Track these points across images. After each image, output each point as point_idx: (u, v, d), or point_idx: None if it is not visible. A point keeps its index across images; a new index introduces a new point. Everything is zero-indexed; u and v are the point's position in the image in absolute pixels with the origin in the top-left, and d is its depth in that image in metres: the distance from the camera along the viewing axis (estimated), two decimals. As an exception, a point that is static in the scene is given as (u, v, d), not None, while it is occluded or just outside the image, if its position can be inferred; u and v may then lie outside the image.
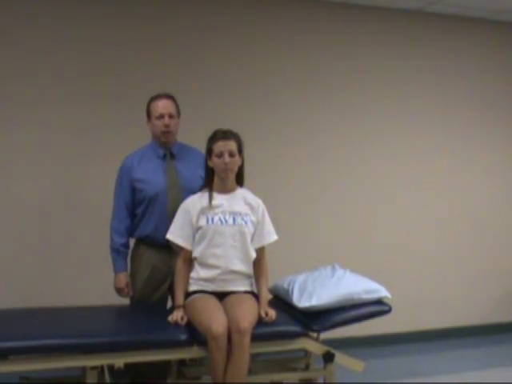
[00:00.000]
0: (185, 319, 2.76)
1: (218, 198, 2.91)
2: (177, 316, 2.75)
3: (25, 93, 3.77)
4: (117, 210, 3.16)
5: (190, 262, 2.92)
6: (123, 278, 3.14)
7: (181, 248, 2.92)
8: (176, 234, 2.91)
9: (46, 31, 3.81)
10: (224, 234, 2.86)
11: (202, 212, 2.88)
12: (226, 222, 2.88)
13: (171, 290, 3.11)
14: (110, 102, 3.93)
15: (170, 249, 3.03)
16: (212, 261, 2.86)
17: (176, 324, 2.73)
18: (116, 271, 3.15)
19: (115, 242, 3.15)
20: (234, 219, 2.89)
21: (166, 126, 3.07)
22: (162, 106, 3.09)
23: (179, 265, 2.91)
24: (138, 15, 4.00)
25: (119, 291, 3.16)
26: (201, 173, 3.04)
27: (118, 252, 3.15)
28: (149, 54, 4.01)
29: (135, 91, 3.86)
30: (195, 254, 2.90)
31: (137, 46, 3.99)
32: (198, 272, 2.89)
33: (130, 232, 3.19)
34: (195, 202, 2.92)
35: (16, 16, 3.75)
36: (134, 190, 3.11)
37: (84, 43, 3.88)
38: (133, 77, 3.96)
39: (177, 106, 3.15)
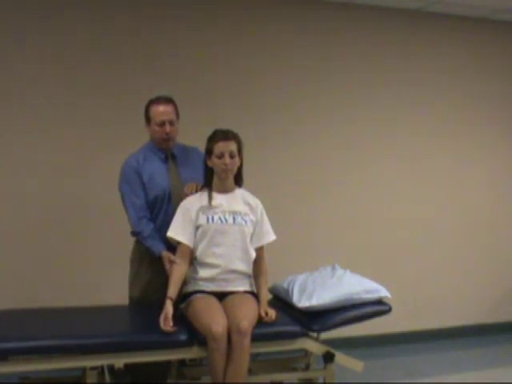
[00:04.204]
0: (170, 323, 2.64)
1: (218, 198, 2.91)
2: (165, 318, 2.66)
3: (25, 95, 3.77)
4: (132, 207, 3.04)
5: (187, 257, 2.88)
6: (166, 257, 2.92)
7: (179, 243, 2.89)
8: (177, 231, 2.89)
9: (47, 33, 3.80)
10: (224, 233, 2.87)
11: (202, 211, 2.88)
12: (226, 221, 2.88)
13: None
14: (110, 103, 3.93)
15: (171, 250, 3.02)
16: (212, 260, 2.86)
17: (168, 325, 2.64)
18: (158, 254, 2.97)
19: (144, 231, 3.01)
20: (234, 218, 2.89)
21: (167, 133, 3.05)
22: (163, 112, 3.04)
23: (176, 259, 2.87)
24: (137, 17, 3.99)
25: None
26: (202, 172, 3.02)
27: (151, 237, 3.01)
28: (148, 54, 4.01)
29: (135, 92, 3.85)
30: (195, 253, 2.89)
31: (136, 47, 3.98)
32: (198, 272, 2.89)
33: (132, 231, 3.17)
34: (195, 201, 2.92)
35: (15, 16, 3.75)
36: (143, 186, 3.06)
37: (84, 44, 3.87)
38: (132, 78, 3.96)
39: (176, 109, 3.11)
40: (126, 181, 3.07)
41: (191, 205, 2.91)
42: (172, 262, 2.88)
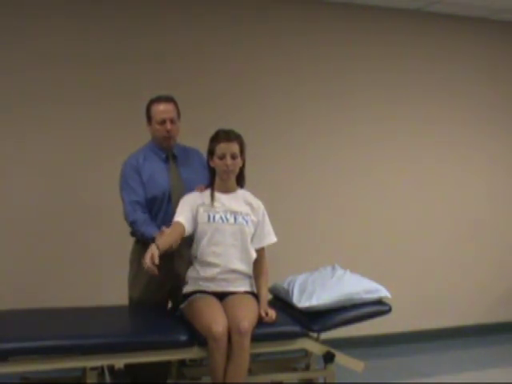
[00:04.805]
0: (156, 260, 2.57)
1: (220, 197, 2.92)
2: (151, 256, 2.57)
3: (23, 94, 3.76)
4: (129, 203, 3.01)
5: (179, 232, 2.79)
6: (157, 235, 2.80)
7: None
8: (178, 216, 2.86)
9: (45, 30, 3.80)
10: (224, 232, 2.87)
11: (204, 208, 2.88)
12: (227, 220, 2.88)
13: (171, 293, 3.10)
14: (110, 103, 3.93)
15: (171, 251, 3.02)
16: (212, 259, 2.86)
17: (152, 261, 2.55)
18: (151, 237, 2.86)
19: (139, 220, 2.97)
20: (235, 218, 2.89)
21: (168, 131, 3.05)
22: (164, 110, 3.05)
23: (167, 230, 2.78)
24: (138, 16, 3.99)
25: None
26: (203, 173, 3.04)
27: (146, 223, 2.96)
28: (150, 54, 4.00)
29: (135, 92, 3.85)
30: (195, 252, 2.90)
31: (137, 47, 3.98)
32: (198, 271, 2.89)
33: (132, 231, 3.16)
34: (196, 197, 2.93)
35: (14, 15, 3.74)
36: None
37: (84, 44, 3.87)
38: (133, 78, 3.96)
39: (177, 108, 3.12)
40: (126, 179, 3.07)
41: (192, 199, 2.91)
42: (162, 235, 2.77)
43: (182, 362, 2.93)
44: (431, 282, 4.75)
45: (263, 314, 2.79)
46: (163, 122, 3.05)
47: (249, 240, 2.92)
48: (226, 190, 2.94)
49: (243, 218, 2.90)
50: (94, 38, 3.90)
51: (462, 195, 4.87)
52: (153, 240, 2.84)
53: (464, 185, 4.88)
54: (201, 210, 2.88)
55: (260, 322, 2.76)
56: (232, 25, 4.23)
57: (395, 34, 4.66)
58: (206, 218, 2.87)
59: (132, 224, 3.02)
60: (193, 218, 2.87)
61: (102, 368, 2.63)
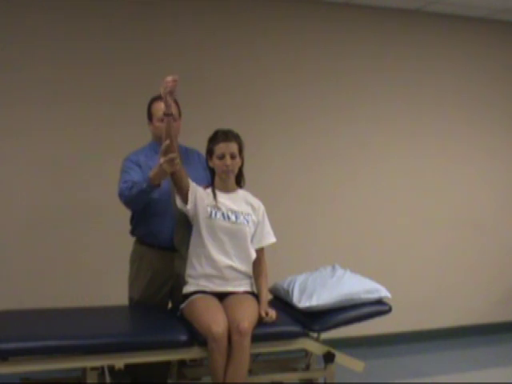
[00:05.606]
0: None
1: (221, 197, 2.92)
2: None
3: (23, 93, 3.76)
4: (124, 182, 2.93)
5: (186, 174, 2.86)
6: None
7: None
8: None
9: (45, 30, 3.80)
10: (225, 230, 2.87)
11: (207, 203, 2.87)
12: (229, 218, 2.88)
13: (172, 293, 3.10)
14: (110, 103, 3.93)
15: (171, 251, 3.02)
16: (212, 257, 2.86)
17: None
18: (146, 180, 2.83)
19: (133, 179, 2.90)
20: (236, 217, 2.89)
21: None
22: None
23: None
24: (138, 16, 3.99)
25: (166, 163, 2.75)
26: (203, 173, 3.04)
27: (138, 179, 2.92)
28: (150, 54, 4.00)
29: (135, 91, 3.85)
30: (194, 249, 2.89)
31: (137, 47, 3.98)
32: (197, 269, 2.89)
33: (132, 230, 3.16)
34: (201, 189, 2.92)
35: (14, 15, 3.74)
36: None
37: (83, 43, 3.87)
38: (133, 77, 3.95)
39: (178, 106, 3.11)
40: (125, 170, 3.02)
41: (199, 188, 2.91)
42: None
43: (182, 362, 2.93)
44: (431, 282, 4.75)
45: (263, 314, 2.79)
46: (163, 119, 3.05)
47: (249, 239, 2.92)
48: (227, 190, 2.95)
49: (244, 218, 2.91)
50: (94, 37, 3.89)
51: (463, 195, 4.87)
52: (148, 180, 2.80)
53: (464, 185, 4.88)
54: (203, 202, 2.86)
55: (260, 322, 2.76)
56: (232, 25, 4.23)
57: (395, 33, 4.65)
58: (207, 214, 2.87)
59: (126, 188, 2.89)
60: (193, 192, 2.86)
61: (102, 368, 2.62)
